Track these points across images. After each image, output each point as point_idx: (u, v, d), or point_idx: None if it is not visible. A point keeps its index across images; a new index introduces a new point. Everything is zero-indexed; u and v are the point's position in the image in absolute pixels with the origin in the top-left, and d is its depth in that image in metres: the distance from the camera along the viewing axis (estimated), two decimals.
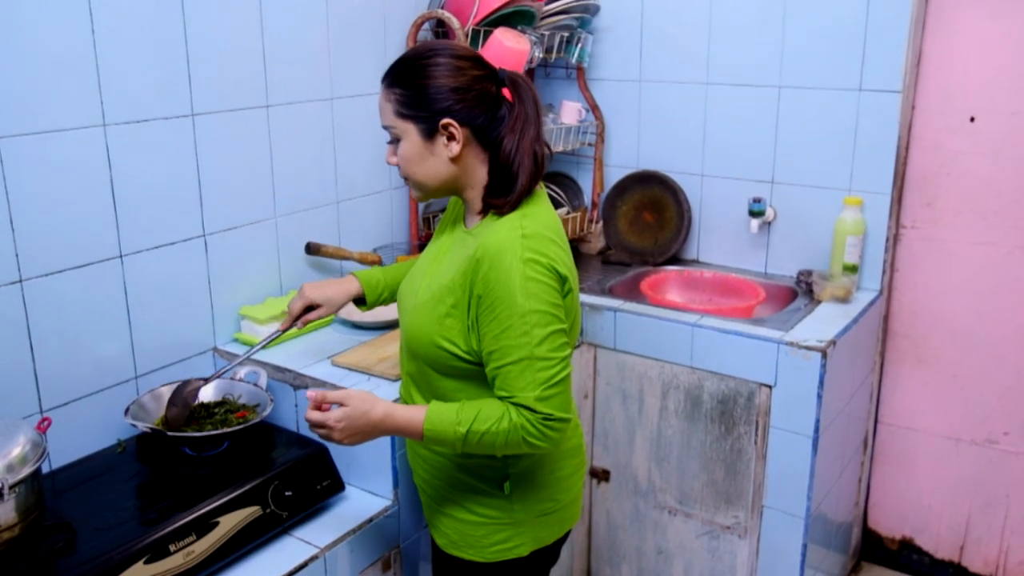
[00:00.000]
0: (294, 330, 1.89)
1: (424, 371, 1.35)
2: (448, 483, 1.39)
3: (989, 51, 2.07)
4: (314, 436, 1.66)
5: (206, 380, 1.66)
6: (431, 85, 1.24)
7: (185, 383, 1.63)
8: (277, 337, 1.63)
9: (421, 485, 1.47)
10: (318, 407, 1.29)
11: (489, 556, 1.38)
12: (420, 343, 1.32)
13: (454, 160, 1.27)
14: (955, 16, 2.09)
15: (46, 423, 1.47)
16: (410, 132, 1.27)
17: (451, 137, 1.26)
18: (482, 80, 1.27)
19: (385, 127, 1.30)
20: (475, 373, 1.29)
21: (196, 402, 1.64)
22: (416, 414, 1.26)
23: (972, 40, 2.09)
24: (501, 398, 1.23)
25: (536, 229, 1.25)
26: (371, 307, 1.62)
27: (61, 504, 1.44)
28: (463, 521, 1.38)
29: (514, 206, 1.29)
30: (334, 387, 1.64)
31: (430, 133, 1.26)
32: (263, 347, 1.64)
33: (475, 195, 1.32)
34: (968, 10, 2.08)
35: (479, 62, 1.29)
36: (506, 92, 1.29)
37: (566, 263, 1.28)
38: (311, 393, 1.28)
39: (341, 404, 1.27)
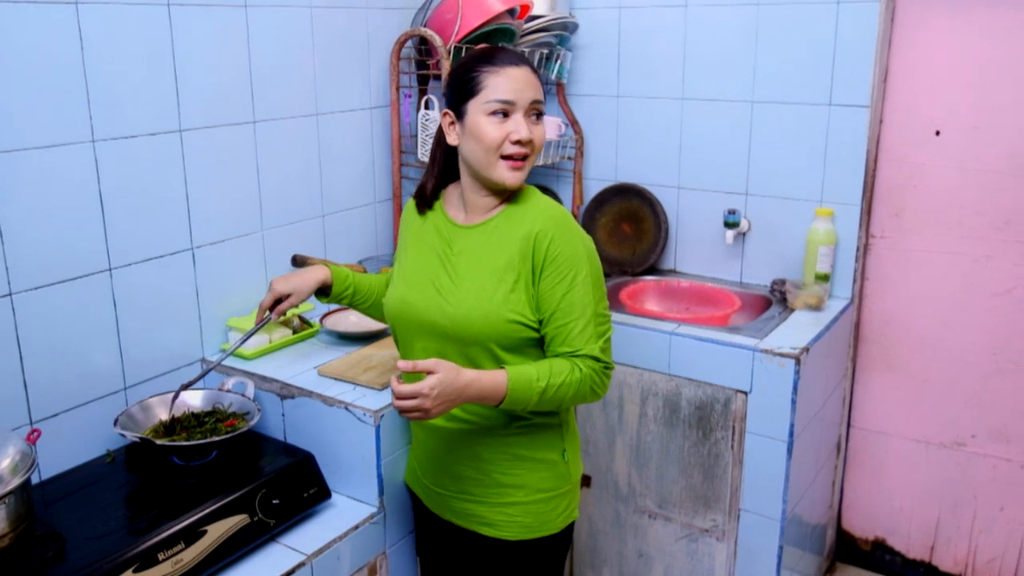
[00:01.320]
0: (289, 336, 1.93)
1: (491, 351, 1.39)
2: (514, 466, 1.44)
3: (952, 67, 2.15)
4: (298, 443, 1.70)
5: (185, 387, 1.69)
6: None
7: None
8: (253, 334, 1.66)
9: (478, 493, 1.47)
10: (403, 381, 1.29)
11: (559, 526, 1.49)
12: (488, 324, 1.37)
13: None
14: (919, 33, 2.17)
15: (36, 434, 1.49)
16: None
17: None
18: None
19: (539, 101, 1.41)
20: (535, 342, 1.41)
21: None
22: (498, 377, 1.32)
23: (936, 57, 2.16)
24: (562, 354, 1.36)
25: (564, 208, 1.45)
26: (333, 299, 1.65)
27: (51, 514, 1.45)
28: (534, 501, 1.45)
29: None
30: (321, 396, 1.68)
31: None
32: (241, 345, 1.68)
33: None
34: (932, 28, 2.15)
35: None
36: None
37: None
38: (402, 363, 1.27)
39: (430, 372, 1.27)
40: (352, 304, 1.68)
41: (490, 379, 1.32)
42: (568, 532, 1.53)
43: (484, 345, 1.39)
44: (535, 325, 1.38)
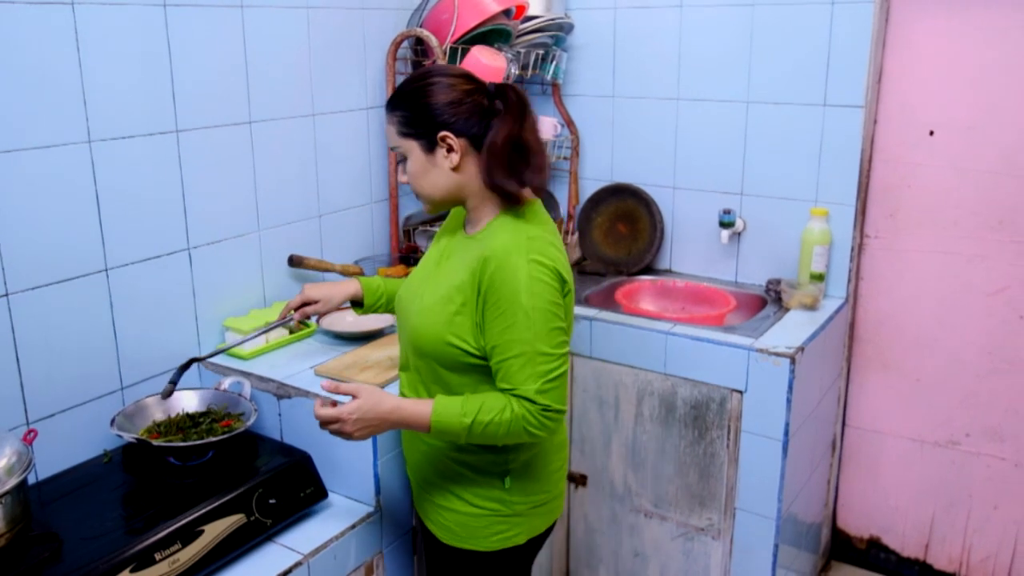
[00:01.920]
0: (286, 336, 1.94)
1: (433, 368, 1.40)
2: (450, 478, 1.44)
3: (946, 68, 2.16)
4: (295, 443, 1.71)
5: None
6: (427, 103, 1.34)
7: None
8: (273, 328, 1.71)
9: (419, 481, 1.51)
10: (330, 404, 1.34)
11: (490, 546, 1.44)
12: (429, 341, 1.37)
13: (455, 170, 1.36)
14: (914, 34, 2.17)
15: (32, 435, 1.49)
16: (413, 149, 1.37)
17: (450, 148, 1.35)
18: (473, 93, 1.36)
19: (392, 148, 1.41)
20: (483, 368, 1.36)
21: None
22: (423, 407, 1.32)
23: (930, 57, 2.17)
24: (503, 390, 1.31)
25: (539, 233, 1.36)
26: (367, 311, 1.68)
27: (48, 514, 1.45)
28: (465, 513, 1.44)
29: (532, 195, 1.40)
30: (317, 396, 1.68)
31: (430, 147, 1.35)
32: (261, 333, 1.73)
33: (477, 203, 1.40)
34: (926, 28, 2.16)
35: (469, 78, 1.38)
36: (498, 102, 1.37)
37: (565, 266, 1.38)
38: (325, 383, 1.34)
39: (353, 396, 1.33)
40: (388, 311, 1.71)
41: (413, 408, 1.33)
42: (505, 557, 1.47)
43: (428, 361, 1.40)
44: (475, 352, 1.34)
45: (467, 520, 1.44)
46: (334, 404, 1.34)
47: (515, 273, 1.29)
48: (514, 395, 1.30)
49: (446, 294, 1.36)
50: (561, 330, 1.33)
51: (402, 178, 1.42)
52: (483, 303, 1.31)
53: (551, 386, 1.30)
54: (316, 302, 1.68)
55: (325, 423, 1.33)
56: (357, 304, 1.69)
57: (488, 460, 1.42)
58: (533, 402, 1.30)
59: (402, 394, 1.51)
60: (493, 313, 1.30)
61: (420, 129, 1.35)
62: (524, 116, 1.36)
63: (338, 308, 1.70)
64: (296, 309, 1.69)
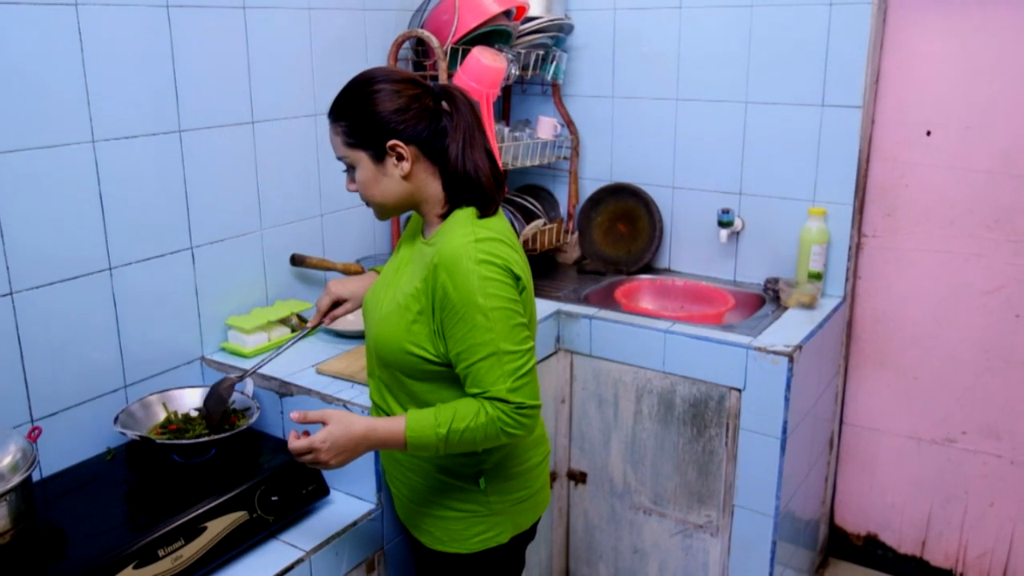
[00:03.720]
0: (288, 334, 1.95)
1: (397, 376, 1.40)
2: (427, 484, 1.44)
3: (943, 68, 2.17)
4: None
5: (241, 377, 1.66)
6: (373, 112, 1.31)
7: (220, 381, 1.64)
8: (307, 333, 1.63)
9: (400, 490, 1.51)
10: (303, 434, 1.31)
11: (473, 547, 1.43)
12: (390, 351, 1.36)
13: (406, 178, 1.34)
14: (911, 35, 2.19)
15: (36, 432, 1.50)
16: (361, 159, 1.34)
17: (400, 157, 1.32)
18: (419, 97, 1.32)
19: (339, 158, 1.37)
20: (446, 375, 1.34)
21: (232, 399, 1.67)
22: (397, 425, 1.30)
23: (927, 58, 2.18)
24: (474, 395, 1.29)
25: (488, 234, 1.31)
26: None
27: (52, 511, 1.46)
28: (445, 518, 1.44)
29: (495, 205, 1.36)
30: (320, 395, 1.69)
31: (379, 156, 1.32)
32: (295, 344, 1.66)
33: (431, 208, 1.38)
34: (923, 29, 2.17)
35: (414, 81, 1.34)
36: (444, 104, 1.35)
37: (519, 263, 1.34)
38: (294, 414, 1.31)
39: (322, 423, 1.30)
40: None
41: (386, 428, 1.30)
42: (490, 557, 1.46)
43: (391, 370, 1.39)
44: (437, 359, 1.32)
45: (447, 524, 1.43)
46: (307, 434, 1.31)
47: (467, 277, 1.26)
48: (486, 398, 1.27)
49: (403, 302, 1.34)
50: (523, 326, 1.30)
51: (350, 187, 1.38)
52: (440, 311, 1.29)
53: (522, 383, 1.28)
54: (346, 300, 1.62)
55: (299, 455, 1.29)
56: None
57: (460, 463, 1.41)
58: (506, 401, 1.27)
59: (371, 399, 1.51)
60: (451, 320, 1.28)
61: (368, 139, 1.31)
62: (474, 112, 1.35)
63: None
64: (326, 313, 1.62)
